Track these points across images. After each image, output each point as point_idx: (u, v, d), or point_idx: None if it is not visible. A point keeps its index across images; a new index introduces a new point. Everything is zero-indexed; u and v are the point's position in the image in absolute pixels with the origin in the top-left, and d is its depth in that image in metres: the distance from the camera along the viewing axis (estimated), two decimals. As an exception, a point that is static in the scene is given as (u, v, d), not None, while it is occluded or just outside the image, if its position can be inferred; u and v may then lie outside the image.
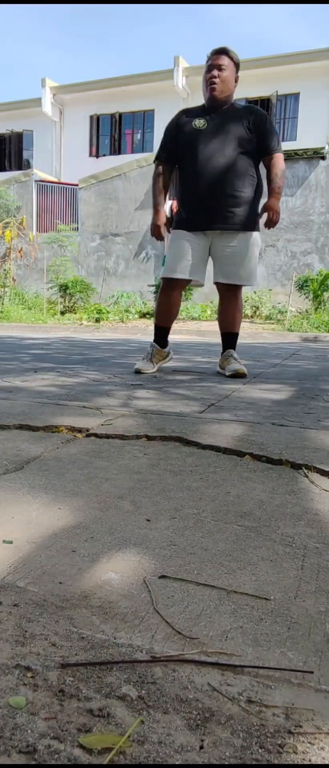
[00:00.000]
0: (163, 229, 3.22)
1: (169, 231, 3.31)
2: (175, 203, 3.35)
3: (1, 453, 1.37)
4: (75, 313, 13.23)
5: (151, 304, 13.00)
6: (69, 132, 20.03)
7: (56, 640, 0.60)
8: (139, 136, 19.82)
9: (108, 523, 0.95)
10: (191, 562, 0.81)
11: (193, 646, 0.60)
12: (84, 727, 0.48)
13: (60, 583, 0.73)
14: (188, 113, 3.20)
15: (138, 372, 3.19)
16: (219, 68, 3.05)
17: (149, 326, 10.71)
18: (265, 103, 17.38)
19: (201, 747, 0.46)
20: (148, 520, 0.96)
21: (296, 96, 17.48)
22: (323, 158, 12.68)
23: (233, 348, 3.30)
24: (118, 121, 19.71)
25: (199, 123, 3.07)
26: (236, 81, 3.11)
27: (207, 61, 3.12)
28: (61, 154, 20.18)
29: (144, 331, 9.99)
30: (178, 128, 3.16)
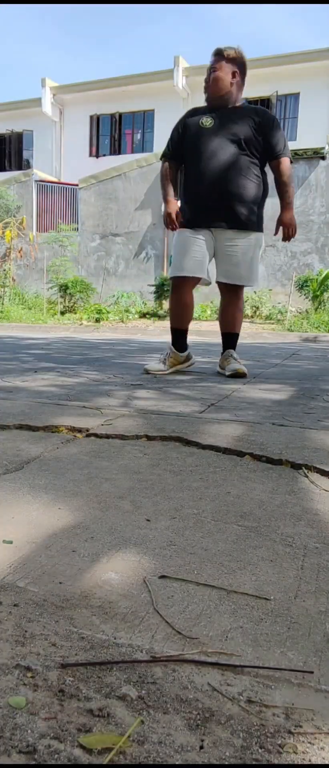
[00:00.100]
0: (175, 217, 3.14)
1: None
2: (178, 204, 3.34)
3: (1, 453, 1.37)
4: (75, 313, 13.23)
5: (151, 305, 13.01)
6: (69, 132, 20.04)
7: (56, 640, 0.60)
8: (139, 136, 19.82)
9: (108, 523, 0.95)
10: (191, 562, 0.81)
11: (193, 646, 0.60)
12: (84, 727, 0.48)
13: (60, 583, 0.73)
14: (196, 112, 3.22)
15: (147, 372, 3.16)
16: (210, 71, 3.10)
17: (149, 326, 10.72)
18: (265, 103, 17.37)
19: (201, 747, 0.46)
20: (148, 520, 0.96)
21: (296, 96, 17.49)
22: (323, 158, 12.68)
23: (234, 348, 3.30)
24: (118, 121, 19.71)
25: (206, 122, 3.09)
26: (235, 76, 3.08)
27: None
28: (61, 154, 20.18)
29: (144, 331, 10.00)
30: (185, 126, 3.18)
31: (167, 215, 3.16)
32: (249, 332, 9.54)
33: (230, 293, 3.24)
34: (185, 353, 3.35)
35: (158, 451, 1.45)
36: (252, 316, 12.09)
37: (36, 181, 16.11)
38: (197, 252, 3.12)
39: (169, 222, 3.17)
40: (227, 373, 3.13)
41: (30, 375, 3.00)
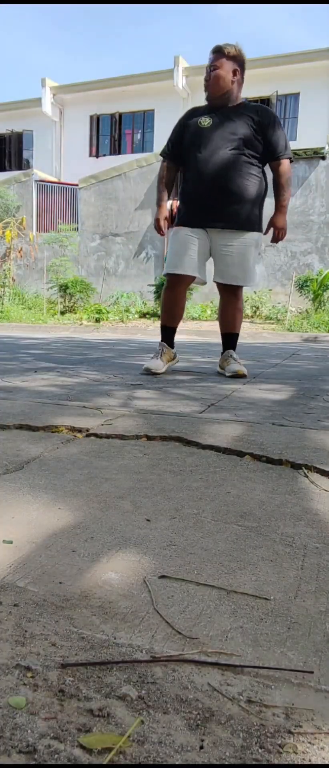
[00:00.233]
0: (163, 224, 3.22)
1: (169, 227, 3.30)
2: (175, 203, 3.35)
3: (1, 453, 1.37)
4: (75, 313, 13.24)
5: (151, 304, 13.01)
6: (69, 132, 20.04)
7: (56, 640, 0.60)
8: (139, 136, 19.82)
9: (108, 523, 0.95)
10: (191, 562, 0.81)
11: (193, 646, 0.60)
12: (84, 727, 0.48)
13: (60, 583, 0.73)
14: (196, 112, 3.21)
15: (148, 371, 3.11)
16: (210, 69, 3.08)
17: (149, 326, 10.72)
18: (265, 103, 17.35)
19: (201, 747, 0.46)
20: (148, 520, 0.96)
21: (296, 96, 17.49)
22: (323, 158, 12.69)
23: (234, 348, 3.29)
24: (118, 121, 19.72)
25: (204, 121, 3.08)
26: (235, 74, 3.07)
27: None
28: (61, 154, 20.18)
29: (144, 331, 10.00)
30: (184, 126, 3.18)
31: (156, 221, 3.25)
32: (249, 332, 9.54)
33: (229, 293, 3.24)
34: (174, 350, 3.37)
35: (158, 451, 1.45)
36: (252, 316, 12.09)
37: (36, 181, 16.11)
38: (193, 251, 3.12)
39: (157, 228, 3.25)
40: (227, 374, 3.13)
41: (30, 375, 3.00)
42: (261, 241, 3.24)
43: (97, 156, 19.78)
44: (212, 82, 3.06)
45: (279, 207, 3.12)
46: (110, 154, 19.59)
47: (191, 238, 3.12)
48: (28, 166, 20.05)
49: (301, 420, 1.89)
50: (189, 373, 3.35)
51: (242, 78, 3.12)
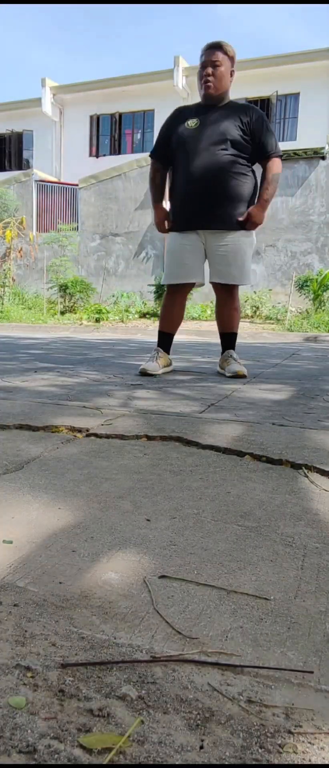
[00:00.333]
0: (164, 223, 3.22)
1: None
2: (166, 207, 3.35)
3: (1, 453, 1.37)
4: (75, 313, 13.24)
5: (151, 305, 13.01)
6: (69, 132, 20.04)
7: (56, 640, 0.60)
8: (139, 136, 19.82)
9: (108, 523, 0.95)
10: (191, 562, 0.81)
11: (193, 646, 0.60)
12: (84, 727, 0.48)
13: (60, 583, 0.73)
14: (184, 111, 3.17)
15: (144, 372, 3.09)
16: (214, 65, 2.99)
17: (149, 326, 10.72)
18: (265, 103, 17.38)
19: (201, 747, 0.46)
20: (148, 520, 0.96)
21: (296, 96, 17.49)
22: (323, 158, 12.69)
23: (233, 348, 3.29)
24: (118, 121, 19.72)
25: (192, 123, 3.04)
26: (231, 75, 3.06)
27: (201, 57, 3.05)
28: (61, 154, 20.18)
29: (144, 331, 10.00)
30: (172, 127, 3.14)
31: (156, 223, 3.27)
32: (248, 332, 9.54)
33: (225, 293, 3.23)
34: (169, 357, 3.35)
35: (158, 451, 1.45)
36: (252, 316, 12.09)
37: (36, 181, 16.11)
38: (188, 258, 3.13)
39: (159, 229, 3.27)
40: (227, 374, 3.13)
41: (30, 375, 3.00)
42: (255, 240, 3.21)
43: (97, 156, 19.78)
44: (217, 80, 2.99)
45: (261, 201, 3.06)
46: (110, 154, 19.59)
47: (184, 245, 3.12)
48: (28, 166, 20.05)
49: (301, 420, 1.89)
50: (189, 373, 3.35)
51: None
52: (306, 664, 0.58)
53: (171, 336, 3.34)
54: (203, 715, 0.50)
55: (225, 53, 3.01)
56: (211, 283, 3.25)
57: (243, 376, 3.06)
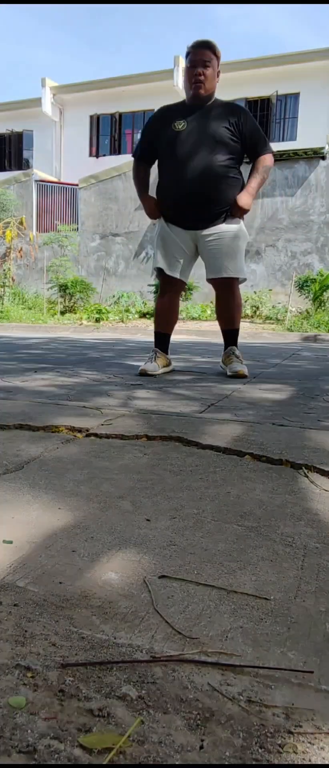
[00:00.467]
0: (155, 211, 3.21)
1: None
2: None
3: (1, 453, 1.37)
4: (75, 313, 13.24)
5: (151, 304, 13.01)
6: (69, 132, 20.04)
7: (56, 640, 0.60)
8: (139, 136, 19.81)
9: (108, 523, 0.95)
10: (191, 562, 0.81)
11: (193, 646, 0.60)
12: (84, 727, 0.48)
13: (60, 583, 0.73)
14: (169, 111, 3.13)
15: (144, 373, 3.08)
16: (204, 65, 2.94)
17: (149, 326, 10.71)
18: (265, 103, 17.39)
19: (201, 747, 0.46)
20: (148, 520, 0.96)
21: (296, 96, 17.49)
22: (323, 158, 12.68)
23: (235, 344, 3.28)
24: (118, 121, 19.72)
25: (178, 125, 3.01)
26: (218, 76, 3.03)
27: (188, 55, 2.99)
28: (61, 154, 20.18)
29: (144, 330, 9.99)
30: (157, 128, 3.12)
31: (149, 213, 3.25)
32: (249, 332, 9.54)
33: (224, 289, 3.21)
34: (168, 357, 3.34)
35: (158, 451, 1.45)
36: (251, 316, 12.09)
37: (36, 181, 16.11)
38: (180, 254, 3.13)
39: (153, 217, 3.24)
40: (228, 373, 3.12)
41: (30, 375, 3.00)
42: (246, 232, 3.19)
43: (97, 156, 19.78)
44: (208, 80, 2.94)
45: (247, 186, 3.05)
46: (110, 154, 19.59)
47: (175, 240, 3.12)
48: (28, 166, 20.05)
49: (301, 420, 1.89)
50: (189, 373, 3.35)
51: None
52: (306, 664, 0.58)
53: (168, 336, 3.33)
54: (203, 715, 0.50)
55: (214, 53, 2.97)
56: (209, 281, 3.24)
57: (244, 376, 3.06)
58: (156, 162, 3.24)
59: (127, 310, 12.62)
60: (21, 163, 20.89)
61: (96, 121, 19.91)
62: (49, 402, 2.09)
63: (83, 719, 0.49)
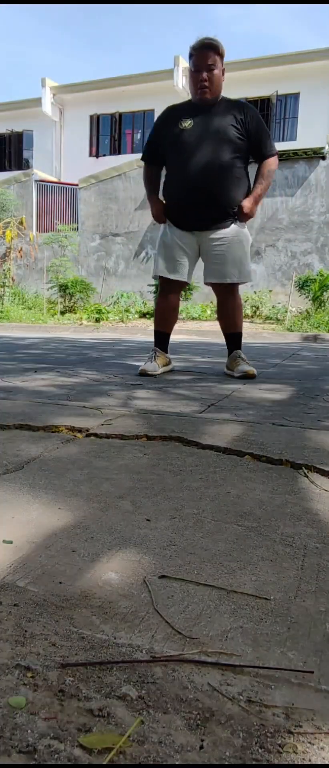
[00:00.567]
0: (160, 216, 3.20)
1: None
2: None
3: (1, 453, 1.37)
4: (75, 313, 13.24)
5: (151, 304, 13.01)
6: (69, 132, 20.04)
7: (56, 640, 0.60)
8: (139, 136, 19.81)
9: (108, 523, 0.95)
10: (191, 562, 0.81)
11: (193, 646, 0.60)
12: (84, 727, 0.48)
13: (60, 583, 0.73)
14: (175, 111, 3.12)
15: (144, 373, 3.07)
16: (209, 69, 2.91)
17: (149, 326, 10.71)
18: (265, 103, 17.38)
19: (201, 747, 0.46)
20: (148, 520, 0.96)
21: (296, 96, 17.48)
22: (323, 158, 12.68)
23: (239, 347, 3.27)
24: (118, 121, 19.72)
25: (185, 123, 3.00)
26: (223, 73, 3.00)
27: (192, 57, 2.96)
28: (61, 154, 20.18)
29: (144, 330, 10.00)
30: (164, 128, 3.12)
31: (155, 216, 3.22)
32: (249, 332, 9.53)
33: (225, 293, 3.21)
34: (168, 356, 3.33)
35: (158, 451, 1.45)
36: (251, 316, 12.09)
37: (36, 181, 16.11)
38: (181, 256, 3.12)
39: (159, 220, 3.22)
40: (236, 375, 3.09)
41: (30, 375, 3.00)
42: (249, 235, 3.19)
43: (97, 156, 19.78)
44: (214, 84, 2.93)
45: (253, 192, 3.05)
46: (110, 154, 19.59)
47: (178, 243, 3.12)
48: (28, 166, 20.05)
49: (301, 420, 1.89)
50: (189, 373, 3.35)
51: None
52: (306, 664, 0.58)
53: (168, 335, 3.33)
54: (203, 715, 0.50)
55: (218, 53, 2.93)
56: (208, 284, 3.23)
57: (253, 376, 3.03)
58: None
59: (127, 310, 12.62)
60: (21, 163, 20.89)
61: (96, 121, 19.90)
62: (49, 402, 2.09)
63: (82, 719, 0.49)
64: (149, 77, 18.47)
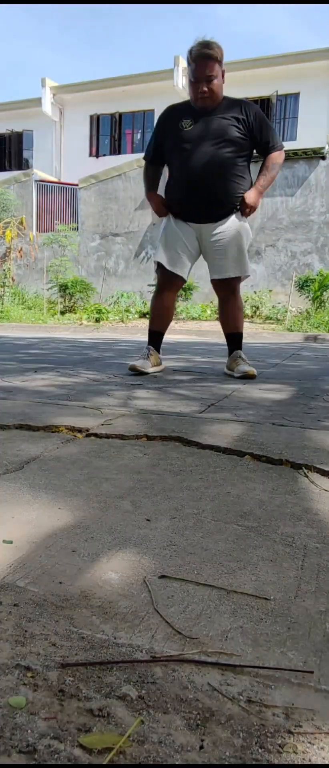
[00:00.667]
0: (161, 209, 3.21)
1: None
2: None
3: (1, 453, 1.37)
4: (75, 313, 13.24)
5: (151, 304, 13.01)
6: (69, 132, 20.04)
7: (56, 640, 0.60)
8: (139, 136, 19.82)
9: (108, 523, 0.95)
10: (191, 562, 0.81)
11: (193, 646, 0.60)
12: (84, 727, 0.48)
13: (60, 583, 0.73)
14: (176, 110, 3.12)
15: (134, 369, 3.06)
16: (208, 79, 2.87)
17: (149, 326, 10.72)
18: (265, 103, 17.38)
19: (201, 747, 0.46)
20: (148, 520, 0.96)
21: (296, 96, 17.49)
22: (323, 158, 12.69)
23: (240, 348, 3.27)
24: (118, 121, 19.72)
25: (186, 123, 3.00)
26: (223, 75, 2.97)
27: (191, 64, 2.92)
28: (61, 154, 20.18)
29: (144, 330, 9.98)
30: (165, 128, 3.12)
31: (156, 211, 3.24)
32: (249, 332, 9.53)
33: (226, 291, 3.21)
34: (160, 356, 3.33)
35: (158, 451, 1.45)
36: (251, 316, 12.09)
37: (36, 181, 16.11)
38: (183, 250, 3.12)
39: (160, 214, 3.23)
40: (236, 375, 3.08)
41: (30, 375, 3.00)
42: (249, 231, 3.19)
43: (97, 156, 19.78)
44: (214, 95, 2.91)
45: (258, 185, 3.05)
46: (110, 154, 19.59)
47: (180, 237, 3.12)
48: (28, 166, 20.05)
49: (301, 420, 1.89)
50: (189, 373, 3.35)
51: None
52: (306, 664, 0.58)
53: (161, 335, 3.34)
54: (203, 715, 0.50)
55: (217, 60, 2.89)
56: (212, 281, 3.23)
57: (253, 377, 3.04)
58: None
59: (127, 310, 12.63)
60: (21, 163, 20.89)
61: (96, 121, 19.90)
62: (49, 402, 2.09)
63: (83, 719, 0.49)
64: (149, 77, 18.47)
